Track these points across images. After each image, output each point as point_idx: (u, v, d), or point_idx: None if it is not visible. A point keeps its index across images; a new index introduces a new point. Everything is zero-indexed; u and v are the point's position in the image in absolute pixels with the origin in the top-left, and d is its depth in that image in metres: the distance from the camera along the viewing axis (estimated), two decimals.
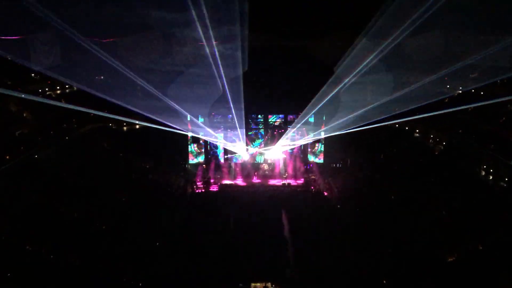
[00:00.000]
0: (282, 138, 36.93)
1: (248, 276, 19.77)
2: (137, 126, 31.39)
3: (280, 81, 35.47)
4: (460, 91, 32.25)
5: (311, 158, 37.83)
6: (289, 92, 35.86)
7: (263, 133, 37.68)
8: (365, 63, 28.69)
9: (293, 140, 37.03)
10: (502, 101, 25.07)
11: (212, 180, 35.37)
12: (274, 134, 37.27)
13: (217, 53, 29.46)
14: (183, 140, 36.04)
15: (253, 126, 37.65)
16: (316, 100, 34.71)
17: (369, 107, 30.30)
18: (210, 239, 22.71)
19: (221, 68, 30.24)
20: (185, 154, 36.97)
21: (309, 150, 37.80)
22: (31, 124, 27.38)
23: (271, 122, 37.58)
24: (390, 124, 31.12)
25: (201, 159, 37.42)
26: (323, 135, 36.69)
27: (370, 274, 19.42)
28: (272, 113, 37.43)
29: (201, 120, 35.76)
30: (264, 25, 30.39)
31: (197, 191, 33.71)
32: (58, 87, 32.09)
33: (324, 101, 32.38)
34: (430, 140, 33.47)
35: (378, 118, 30.42)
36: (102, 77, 33.04)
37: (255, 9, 28.17)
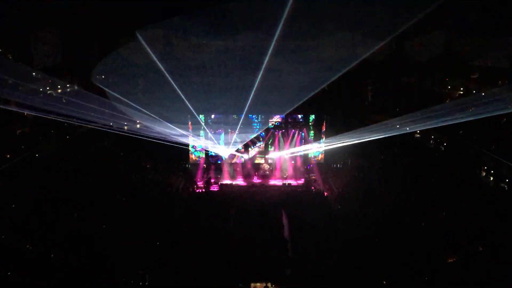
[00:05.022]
0: (285, 142, 36.90)
1: (248, 276, 19.75)
2: (138, 126, 31.37)
3: (281, 80, 35.40)
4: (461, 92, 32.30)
5: (312, 159, 37.84)
6: (291, 93, 35.83)
7: (263, 135, 37.63)
8: None
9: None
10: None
11: (212, 180, 35.40)
12: (275, 136, 37.25)
13: None
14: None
15: (254, 127, 37.61)
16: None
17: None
18: (210, 239, 22.70)
19: None
20: (186, 153, 37.00)
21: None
22: (32, 123, 27.38)
23: (271, 125, 37.50)
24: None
25: (201, 159, 37.48)
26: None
27: (370, 274, 19.37)
28: (274, 114, 37.39)
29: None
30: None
31: (197, 191, 33.73)
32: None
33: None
34: (431, 141, 33.43)
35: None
36: None
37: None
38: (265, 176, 36.93)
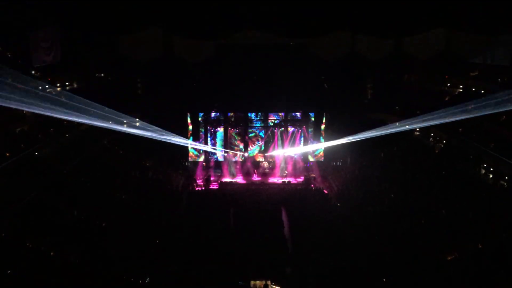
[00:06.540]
0: (284, 140, 36.91)
1: (248, 274, 19.78)
2: (137, 124, 31.30)
3: (280, 78, 35.38)
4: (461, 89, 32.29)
5: (311, 157, 37.84)
6: (290, 90, 35.79)
7: (262, 135, 37.58)
8: None
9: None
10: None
11: (212, 178, 35.41)
12: (274, 134, 37.22)
13: None
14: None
15: (253, 126, 37.57)
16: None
17: None
18: (209, 237, 22.73)
19: None
20: (185, 151, 36.99)
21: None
22: (31, 121, 27.28)
23: (271, 123, 37.44)
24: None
25: (201, 157, 37.48)
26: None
27: (369, 272, 19.40)
28: (272, 111, 37.35)
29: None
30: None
31: (197, 189, 33.74)
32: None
33: None
34: (430, 139, 33.42)
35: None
36: None
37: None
38: (264, 174, 36.95)
